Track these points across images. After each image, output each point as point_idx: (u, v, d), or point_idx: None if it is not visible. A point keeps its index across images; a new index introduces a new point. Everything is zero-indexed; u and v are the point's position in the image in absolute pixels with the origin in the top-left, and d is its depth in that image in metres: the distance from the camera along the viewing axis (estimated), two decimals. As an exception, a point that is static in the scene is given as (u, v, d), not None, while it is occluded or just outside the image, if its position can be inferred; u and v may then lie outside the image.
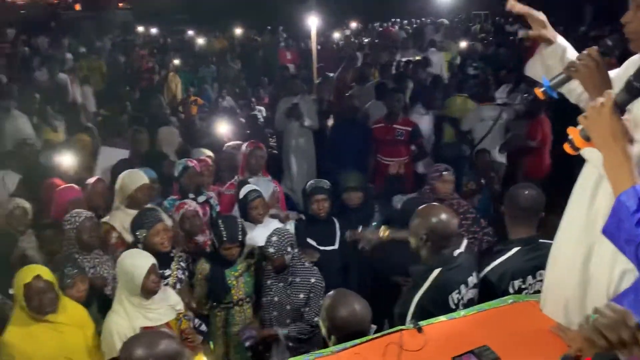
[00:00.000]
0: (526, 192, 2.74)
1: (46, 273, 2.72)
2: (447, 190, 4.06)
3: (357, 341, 1.94)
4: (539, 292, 2.59)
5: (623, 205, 1.40)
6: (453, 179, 4.10)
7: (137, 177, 3.81)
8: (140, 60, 12.63)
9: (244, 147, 4.44)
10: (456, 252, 2.51)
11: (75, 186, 4.04)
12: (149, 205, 3.67)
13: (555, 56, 1.99)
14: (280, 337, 3.16)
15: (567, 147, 1.64)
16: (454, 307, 2.38)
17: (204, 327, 3.21)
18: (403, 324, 2.24)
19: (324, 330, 2.26)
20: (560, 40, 2.02)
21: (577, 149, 1.60)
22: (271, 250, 3.21)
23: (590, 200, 1.87)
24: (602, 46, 1.80)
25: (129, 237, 3.58)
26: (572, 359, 1.25)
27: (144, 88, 10.22)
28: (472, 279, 2.53)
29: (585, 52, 1.79)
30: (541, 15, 1.99)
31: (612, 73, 1.87)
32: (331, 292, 2.34)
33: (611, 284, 1.81)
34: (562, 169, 5.51)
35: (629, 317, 1.25)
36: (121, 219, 3.64)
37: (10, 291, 2.78)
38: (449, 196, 4.05)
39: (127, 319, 2.72)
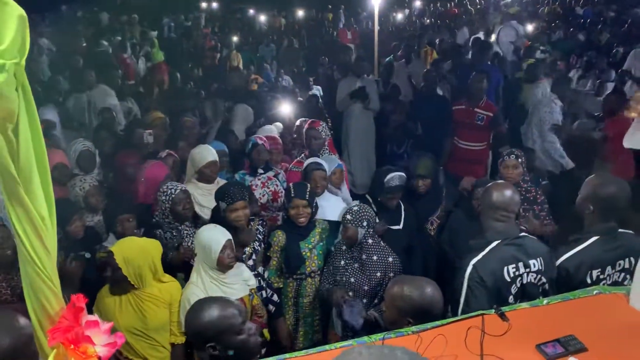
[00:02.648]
0: (613, 186, 2.62)
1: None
2: (513, 175, 3.88)
3: (438, 323, 1.95)
4: (617, 283, 2.54)
5: None
6: (516, 163, 3.90)
7: (206, 153, 3.92)
8: (203, 38, 12.85)
9: (305, 126, 4.50)
10: (523, 235, 2.57)
11: (162, 164, 4.17)
12: (237, 180, 3.81)
13: None
14: (378, 320, 3.08)
15: None
16: (509, 280, 2.43)
17: (275, 298, 3.29)
18: (460, 290, 2.35)
19: (390, 313, 2.28)
20: None
21: None
22: (349, 217, 3.24)
23: None
24: None
25: (200, 210, 3.71)
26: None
27: (208, 66, 10.41)
28: (535, 263, 2.51)
29: None
30: None
31: None
32: (398, 278, 2.40)
33: None
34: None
35: None
36: (192, 192, 3.73)
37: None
38: (517, 181, 3.87)
39: (204, 291, 2.79)
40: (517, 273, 2.47)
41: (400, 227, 3.85)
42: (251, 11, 17.28)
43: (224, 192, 3.32)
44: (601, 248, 2.56)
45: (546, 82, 6.37)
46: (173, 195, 3.42)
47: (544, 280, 2.52)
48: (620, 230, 2.60)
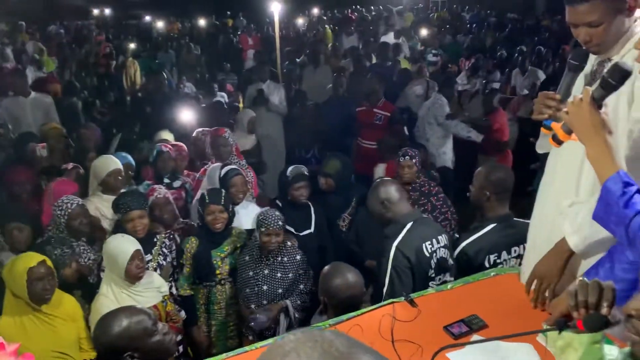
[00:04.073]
0: (501, 171, 2.90)
1: (48, 260, 2.70)
2: (409, 175, 4.11)
3: (353, 314, 2.03)
4: (513, 267, 2.77)
5: (610, 191, 1.53)
6: (411, 164, 4.10)
7: (109, 163, 3.77)
8: (97, 45, 12.27)
9: (210, 134, 4.46)
10: (423, 216, 2.87)
11: (70, 180, 3.96)
12: (134, 188, 3.63)
13: None
14: (289, 308, 3.21)
15: (551, 141, 1.78)
16: (428, 255, 2.66)
17: (183, 315, 3.24)
18: (385, 271, 2.52)
19: (322, 305, 2.38)
20: None
21: (560, 142, 1.75)
22: (263, 229, 3.23)
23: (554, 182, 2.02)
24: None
25: (106, 223, 3.57)
26: (563, 323, 1.34)
27: (102, 74, 9.97)
28: (442, 239, 2.77)
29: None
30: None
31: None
32: (326, 266, 2.50)
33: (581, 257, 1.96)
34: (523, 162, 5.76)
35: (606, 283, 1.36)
36: (96, 204, 3.61)
37: None
38: (413, 180, 4.13)
39: (115, 301, 2.71)
40: (432, 248, 2.70)
41: (312, 230, 3.92)
42: (147, 17, 16.75)
43: (118, 201, 3.23)
44: (498, 234, 2.80)
45: (426, 82, 6.78)
46: (69, 210, 3.24)
47: (449, 253, 2.78)
48: (515, 219, 2.86)
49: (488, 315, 1.95)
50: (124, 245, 2.81)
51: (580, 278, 1.31)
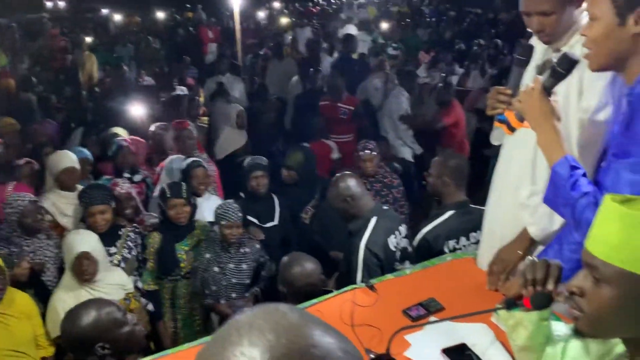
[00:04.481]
0: (457, 159, 3.00)
1: None
2: (370, 168, 4.14)
3: (315, 300, 2.07)
4: (471, 252, 2.86)
5: (558, 174, 1.61)
6: (371, 157, 4.13)
7: (63, 159, 3.70)
8: (51, 39, 11.92)
9: (171, 128, 4.42)
10: (384, 207, 2.91)
11: (25, 185, 3.84)
12: (100, 182, 3.59)
13: None
14: (259, 296, 3.25)
15: (504, 129, 1.86)
16: (393, 249, 2.71)
17: (150, 307, 3.22)
18: (355, 271, 2.53)
19: (282, 295, 2.42)
20: None
21: (513, 129, 1.84)
22: (224, 222, 3.23)
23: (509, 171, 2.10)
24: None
25: (63, 219, 3.51)
26: (512, 303, 1.40)
27: (58, 68, 9.70)
28: (403, 229, 2.85)
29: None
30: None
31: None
32: (285, 257, 2.55)
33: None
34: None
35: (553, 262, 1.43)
36: (53, 201, 3.55)
37: None
38: (375, 172, 4.17)
39: (73, 296, 2.67)
40: (396, 241, 2.77)
41: (276, 222, 3.94)
42: (104, 10, 16.35)
43: (82, 194, 3.19)
44: (456, 221, 2.88)
45: (386, 76, 6.86)
46: (21, 207, 3.14)
47: (409, 242, 2.85)
48: (472, 205, 2.95)
49: (445, 298, 2.02)
50: (74, 244, 2.76)
51: (530, 257, 1.37)
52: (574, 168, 1.59)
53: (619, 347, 1.18)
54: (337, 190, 2.83)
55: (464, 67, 9.39)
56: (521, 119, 1.79)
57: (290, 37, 10.27)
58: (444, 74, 8.64)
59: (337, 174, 2.99)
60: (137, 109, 5.93)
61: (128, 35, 13.06)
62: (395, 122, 6.04)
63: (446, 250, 2.80)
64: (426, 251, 2.78)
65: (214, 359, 0.65)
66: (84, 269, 2.73)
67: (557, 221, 1.86)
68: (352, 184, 2.83)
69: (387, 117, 6.10)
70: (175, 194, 3.32)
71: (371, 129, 5.96)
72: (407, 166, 5.78)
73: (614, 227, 1.07)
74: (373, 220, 2.74)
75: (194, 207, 3.43)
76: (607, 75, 1.71)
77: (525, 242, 2.00)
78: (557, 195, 1.62)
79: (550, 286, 1.30)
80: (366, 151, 4.15)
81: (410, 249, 2.86)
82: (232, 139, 5.45)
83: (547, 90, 1.69)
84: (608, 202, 1.10)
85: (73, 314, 1.96)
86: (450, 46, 11.11)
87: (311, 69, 6.74)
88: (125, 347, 1.97)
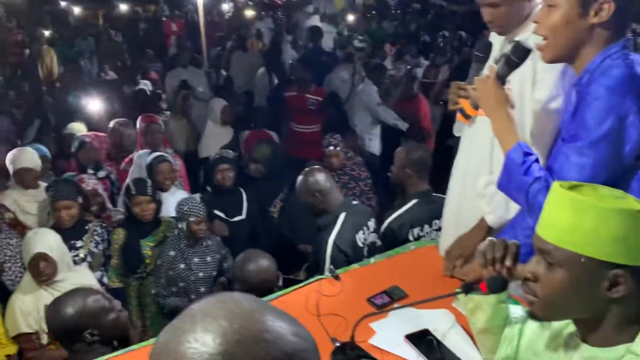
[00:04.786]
0: (420, 150, 3.05)
1: None
2: (336, 163, 4.17)
3: (281, 292, 2.08)
4: (432, 240, 2.92)
5: (511, 160, 1.66)
6: (336, 152, 4.16)
7: (22, 157, 3.61)
8: (7, 32, 11.53)
9: (138, 122, 4.36)
10: (354, 202, 2.90)
11: None
12: (68, 178, 3.53)
13: None
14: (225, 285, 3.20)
15: (459, 116, 1.90)
16: (361, 245, 2.72)
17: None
18: (323, 266, 2.53)
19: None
20: None
21: (468, 116, 1.88)
22: (193, 218, 3.21)
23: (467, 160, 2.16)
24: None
25: (24, 217, 3.44)
26: (469, 287, 1.44)
27: (15, 63, 9.42)
28: (371, 224, 2.86)
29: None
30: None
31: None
32: (240, 254, 2.57)
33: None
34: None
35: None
36: (14, 198, 3.48)
37: None
38: (341, 166, 4.21)
39: (32, 296, 2.65)
40: (364, 236, 2.78)
41: (244, 216, 3.93)
42: (63, 3, 15.90)
43: (49, 189, 3.14)
44: (419, 209, 2.95)
45: (353, 68, 6.89)
46: None
47: (377, 236, 2.88)
48: (434, 194, 3.01)
49: (408, 285, 2.06)
50: (31, 244, 2.71)
51: (489, 238, 1.41)
52: (527, 154, 1.63)
53: (571, 326, 1.23)
54: (306, 185, 2.81)
55: (429, 60, 9.50)
56: (476, 107, 1.83)
57: (255, 29, 10.20)
58: (409, 67, 8.75)
59: (306, 168, 2.96)
60: (98, 104, 5.81)
61: (88, 28, 12.74)
62: (363, 115, 6.07)
63: (411, 238, 2.86)
64: (391, 239, 2.84)
65: (168, 347, 0.66)
66: (41, 270, 2.68)
67: (513, 209, 1.91)
68: (320, 178, 2.81)
69: (357, 109, 6.12)
70: (140, 191, 3.29)
71: (337, 120, 6.00)
72: (374, 160, 5.82)
73: (564, 212, 1.11)
74: (342, 216, 2.73)
75: (159, 204, 3.41)
76: (559, 67, 1.77)
77: (483, 230, 2.05)
78: (510, 180, 1.67)
79: (508, 262, 1.34)
80: (330, 147, 4.18)
81: (379, 242, 2.88)
82: (217, 136, 5.34)
83: (501, 79, 1.73)
84: (557, 189, 1.14)
85: (58, 304, 2.01)
86: (416, 38, 11.21)
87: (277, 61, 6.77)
88: (112, 332, 2.04)
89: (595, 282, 1.08)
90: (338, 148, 4.18)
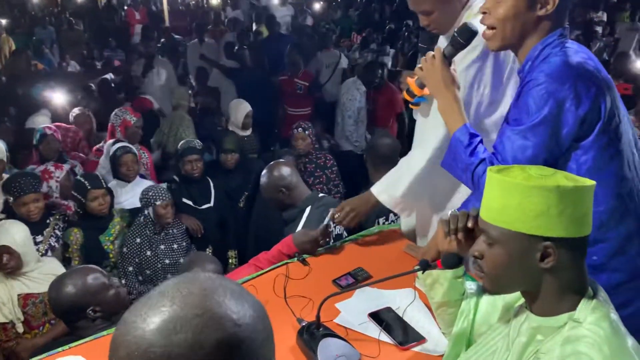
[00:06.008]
0: (387, 141, 3.12)
1: None
2: (302, 147, 4.20)
3: (249, 277, 2.13)
4: (394, 223, 3.00)
5: (458, 141, 1.72)
6: (304, 136, 4.19)
7: None
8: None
9: (114, 113, 4.29)
10: (320, 195, 2.87)
11: None
12: (27, 170, 3.48)
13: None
14: None
15: (405, 95, 1.96)
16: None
17: None
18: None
19: None
20: None
21: (414, 95, 1.94)
22: (159, 202, 3.21)
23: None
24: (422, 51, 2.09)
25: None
26: (426, 264, 1.51)
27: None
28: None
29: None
30: None
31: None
32: (187, 257, 2.58)
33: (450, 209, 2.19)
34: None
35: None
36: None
37: None
38: (308, 151, 4.24)
39: (4, 287, 2.64)
40: (330, 229, 2.76)
41: (212, 204, 3.95)
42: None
43: (10, 184, 3.07)
44: None
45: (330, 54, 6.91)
46: None
47: (343, 228, 2.83)
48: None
49: (372, 267, 2.13)
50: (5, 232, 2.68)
51: (451, 211, 1.48)
52: (473, 135, 1.70)
53: (521, 299, 1.33)
54: (271, 181, 2.75)
55: (394, 48, 9.58)
56: (422, 86, 1.89)
57: (220, 17, 10.12)
58: (375, 55, 8.81)
59: (271, 163, 2.91)
60: (61, 95, 5.71)
61: (48, 16, 12.40)
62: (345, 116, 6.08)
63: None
64: (358, 231, 2.87)
65: (123, 326, 0.70)
66: (4, 262, 2.66)
67: (401, 188, 2.06)
68: (286, 173, 2.75)
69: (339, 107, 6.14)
70: (95, 185, 3.22)
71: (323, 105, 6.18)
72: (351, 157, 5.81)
73: (495, 193, 1.22)
74: (307, 210, 2.71)
75: (112, 196, 3.37)
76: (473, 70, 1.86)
77: (371, 202, 2.23)
78: (456, 160, 1.72)
79: (470, 224, 1.41)
80: (299, 129, 4.21)
81: (345, 234, 2.87)
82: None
83: (448, 59, 1.80)
84: (489, 173, 1.25)
85: (59, 283, 2.07)
86: (381, 27, 11.28)
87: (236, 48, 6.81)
88: (113, 307, 2.10)
89: (528, 256, 1.18)
90: (307, 132, 4.22)
